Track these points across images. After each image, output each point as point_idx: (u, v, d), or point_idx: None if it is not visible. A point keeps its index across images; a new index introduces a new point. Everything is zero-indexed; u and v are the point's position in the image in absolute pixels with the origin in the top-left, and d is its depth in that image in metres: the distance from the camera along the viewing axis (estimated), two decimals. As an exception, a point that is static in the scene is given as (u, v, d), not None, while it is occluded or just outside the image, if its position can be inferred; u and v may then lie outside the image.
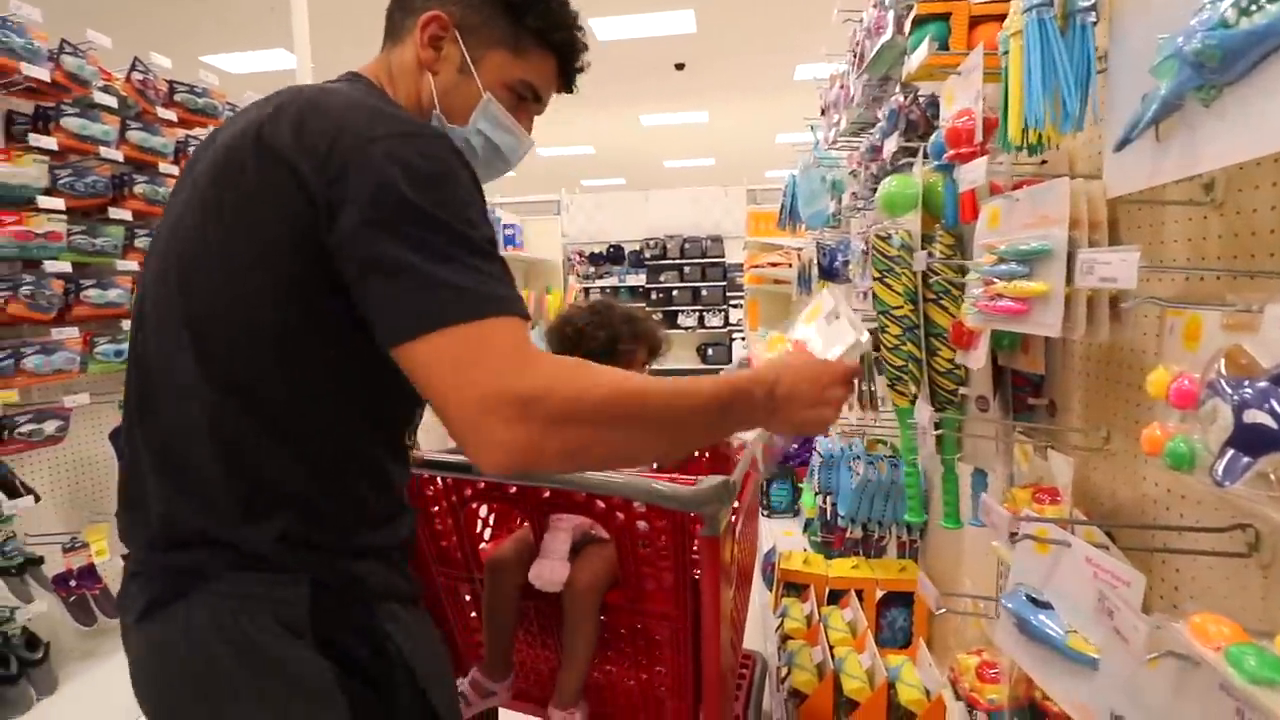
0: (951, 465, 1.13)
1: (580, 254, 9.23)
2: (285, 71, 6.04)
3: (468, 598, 1.29)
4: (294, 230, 0.65)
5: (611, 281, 9.45)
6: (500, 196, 5.88)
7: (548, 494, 1.12)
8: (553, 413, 0.60)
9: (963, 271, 1.05)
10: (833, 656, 1.53)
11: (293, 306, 0.67)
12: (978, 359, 0.91)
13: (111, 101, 2.13)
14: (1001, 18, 1.09)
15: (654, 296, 9.23)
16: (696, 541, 1.00)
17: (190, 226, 0.70)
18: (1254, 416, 0.44)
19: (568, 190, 7.61)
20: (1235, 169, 0.64)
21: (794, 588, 1.92)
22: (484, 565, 1.23)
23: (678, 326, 9.24)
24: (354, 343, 0.67)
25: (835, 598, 1.84)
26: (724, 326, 9.30)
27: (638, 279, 9.42)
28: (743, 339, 8.09)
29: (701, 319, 9.34)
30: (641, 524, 1.03)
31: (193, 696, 0.68)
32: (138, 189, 2.21)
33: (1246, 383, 0.46)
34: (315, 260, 0.65)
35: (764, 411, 0.75)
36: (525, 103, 0.85)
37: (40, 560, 1.99)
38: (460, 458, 1.12)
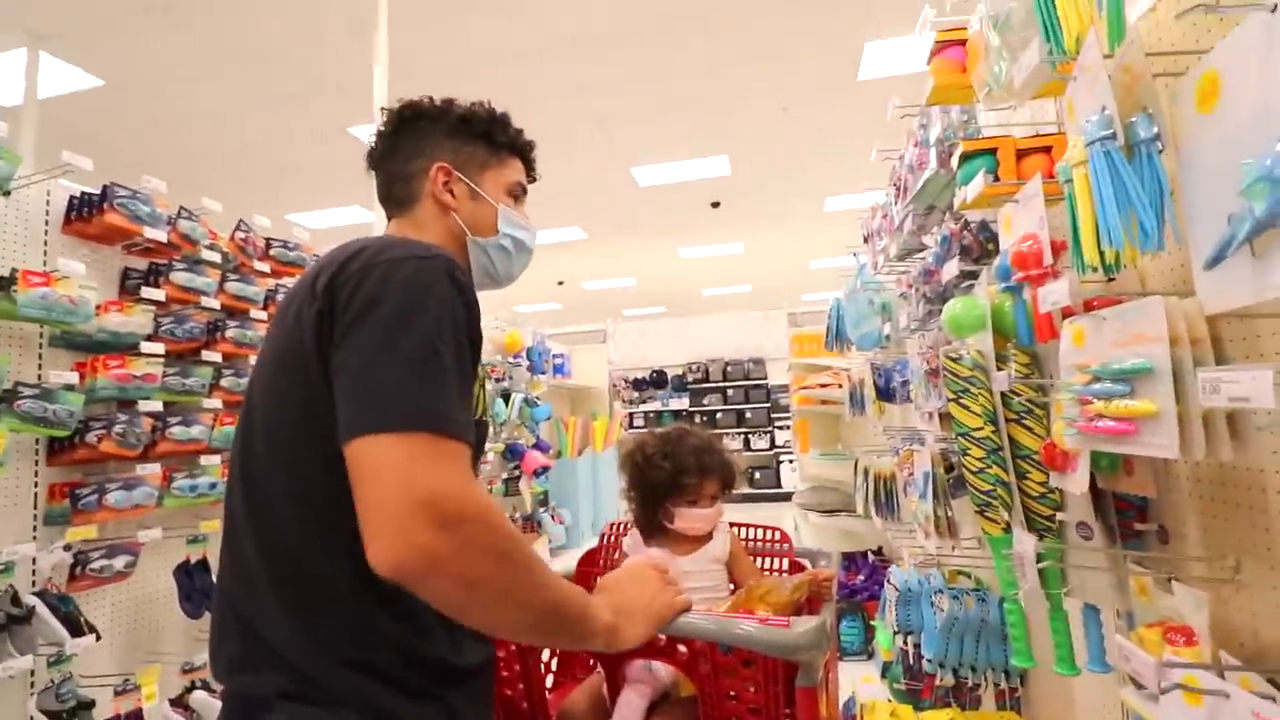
0: (1059, 601, 1.03)
1: (624, 380, 9.40)
2: (363, 224, 6.66)
3: None
4: (317, 344, 0.73)
5: (655, 406, 9.52)
6: (550, 329, 6.14)
7: None
8: (471, 537, 0.64)
9: (1043, 391, 1.02)
10: (940, 832, 1.32)
11: (316, 413, 0.72)
12: (1079, 482, 0.86)
13: (215, 257, 2.37)
14: (1045, 150, 1.15)
15: (697, 420, 9.20)
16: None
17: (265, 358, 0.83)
18: None
19: (612, 320, 7.90)
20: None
21: (882, 744, 1.72)
22: (552, 717, 1.13)
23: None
24: None
25: (931, 757, 1.63)
26: (770, 449, 9.13)
27: (680, 402, 9.47)
28: (791, 461, 7.87)
29: (747, 442, 9.22)
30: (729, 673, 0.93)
31: None
32: (229, 333, 2.39)
33: None
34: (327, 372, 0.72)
35: (606, 629, 0.79)
36: (519, 200, 1.04)
37: (92, 704, 1.93)
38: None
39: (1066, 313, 0.90)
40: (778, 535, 1.51)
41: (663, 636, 0.94)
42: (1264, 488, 0.76)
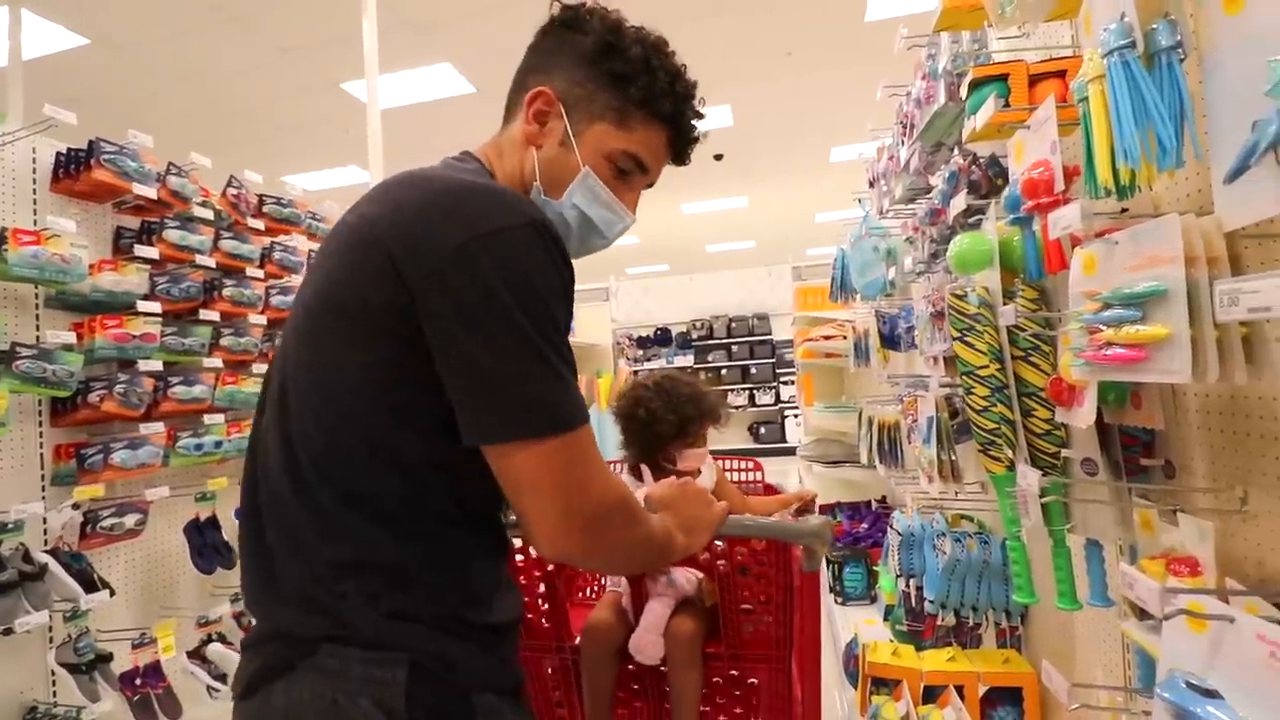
0: (1062, 537, 1.03)
1: (629, 338, 9.38)
2: (359, 185, 6.56)
3: (550, 671, 1.24)
4: (386, 314, 0.68)
5: (660, 363, 9.52)
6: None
7: None
8: (612, 531, 0.72)
9: (1050, 325, 1.00)
10: (939, 764, 1.36)
11: (378, 385, 0.69)
12: (1085, 416, 0.84)
13: (208, 214, 2.33)
14: (1059, 74, 1.10)
15: (703, 376, 9.21)
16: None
17: (306, 305, 0.76)
18: None
19: (615, 278, 7.84)
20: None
21: (883, 684, 1.75)
22: (578, 633, 1.23)
23: (728, 406, 9.13)
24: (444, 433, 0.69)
25: (932, 695, 1.66)
26: (775, 404, 9.15)
27: (685, 359, 9.46)
28: (796, 415, 7.90)
29: (752, 397, 9.24)
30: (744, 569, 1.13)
31: None
32: (226, 292, 2.37)
33: None
34: (405, 344, 0.67)
35: (684, 547, 0.88)
36: (628, 176, 0.83)
37: (110, 657, 1.99)
38: None
39: (1075, 241, 0.86)
40: (751, 465, 1.82)
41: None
42: (1276, 415, 0.74)
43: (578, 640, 1.23)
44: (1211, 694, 0.63)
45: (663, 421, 1.45)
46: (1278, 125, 0.49)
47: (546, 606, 1.21)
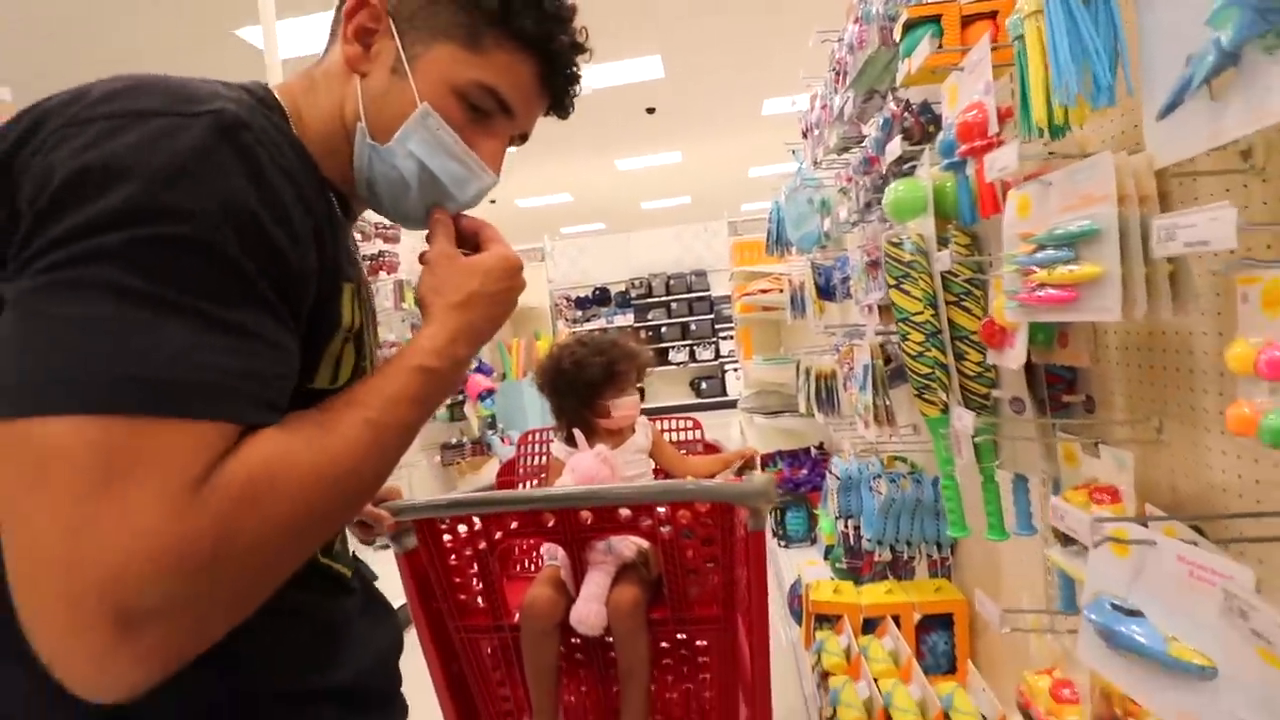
0: (991, 473, 1.08)
1: (566, 299, 9.25)
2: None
3: (489, 652, 1.21)
4: None
5: (599, 324, 9.47)
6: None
7: (590, 520, 1.09)
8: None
9: (982, 270, 1.02)
10: (879, 690, 1.44)
11: None
12: (1016, 357, 0.87)
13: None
14: (990, 15, 1.09)
15: (643, 335, 9.22)
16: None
17: None
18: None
19: (549, 238, 7.67)
20: (1274, 133, 0.61)
21: (826, 619, 1.83)
22: (516, 612, 1.20)
23: (669, 363, 9.23)
24: None
25: (871, 626, 1.75)
26: (715, 359, 9.29)
27: (625, 319, 9.44)
28: (736, 369, 8.06)
29: (692, 353, 9.34)
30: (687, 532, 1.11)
31: None
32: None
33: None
34: None
35: (452, 362, 0.58)
36: (488, 119, 0.62)
37: None
38: (494, 493, 1.18)
39: (1008, 186, 0.87)
40: (691, 423, 1.79)
41: (626, 512, 1.01)
42: (1191, 350, 0.78)
43: (517, 618, 1.20)
44: (1135, 613, 0.67)
45: (590, 365, 1.44)
46: (1215, 56, 0.49)
47: (481, 586, 1.17)
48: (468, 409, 4.83)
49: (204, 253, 0.44)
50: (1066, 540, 0.91)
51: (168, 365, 0.42)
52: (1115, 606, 0.68)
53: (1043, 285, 0.71)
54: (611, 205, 10.88)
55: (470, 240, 0.66)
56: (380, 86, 0.60)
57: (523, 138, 0.68)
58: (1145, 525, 0.70)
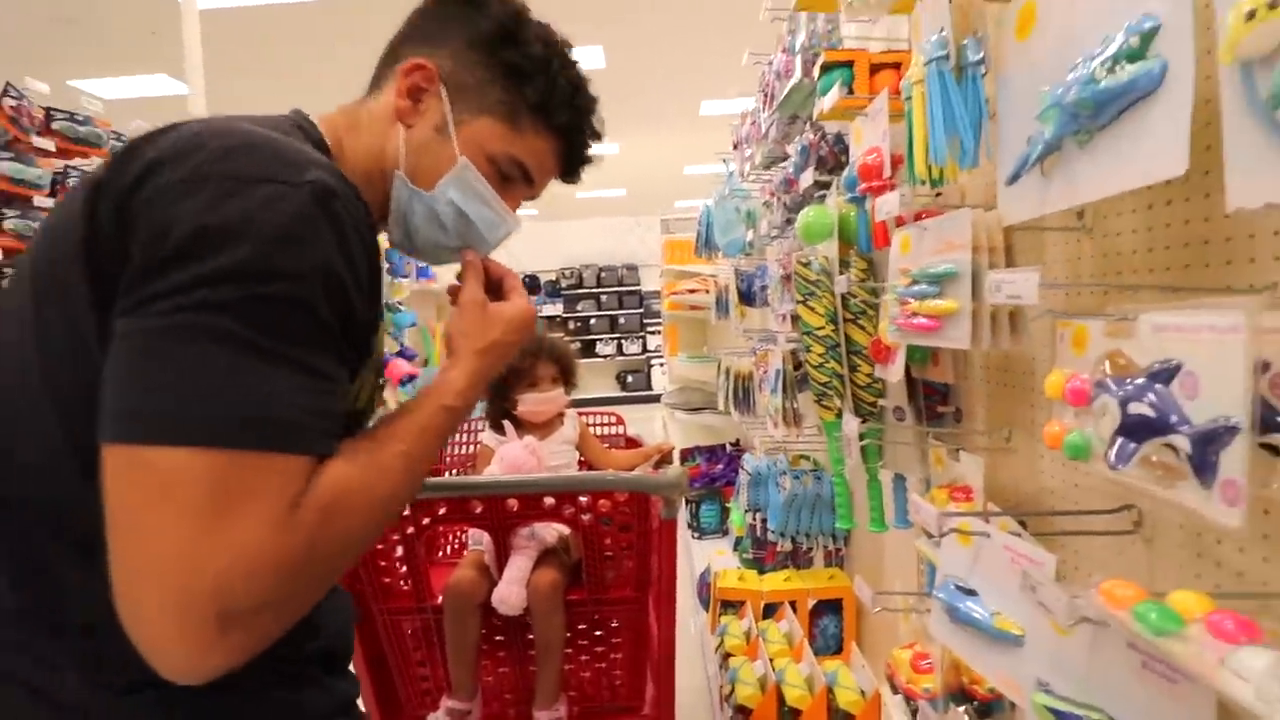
0: (875, 473, 1.22)
1: (495, 284, 9.12)
2: (170, 97, 5.67)
3: (410, 633, 1.25)
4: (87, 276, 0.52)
5: (528, 311, 9.40)
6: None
7: (516, 507, 1.15)
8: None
9: (875, 293, 1.15)
10: (773, 668, 1.57)
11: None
12: (895, 372, 0.99)
13: (-23, 128, 1.94)
14: (896, 65, 1.22)
15: (571, 326, 9.24)
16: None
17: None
18: (1137, 408, 0.52)
19: (481, 221, 7.53)
20: (1103, 200, 0.75)
21: (730, 605, 1.97)
22: (440, 593, 1.25)
23: (596, 355, 9.28)
24: None
25: (770, 611, 1.89)
26: (642, 353, 9.42)
27: (555, 308, 9.42)
28: (662, 365, 8.22)
29: (620, 346, 9.43)
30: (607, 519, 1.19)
31: None
32: (7, 224, 2.01)
33: (1128, 380, 0.54)
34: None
35: (468, 402, 0.68)
36: (511, 183, 0.74)
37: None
38: (426, 480, 1.23)
39: (899, 222, 1.00)
40: (614, 419, 1.94)
41: (550, 500, 1.10)
42: (1033, 372, 0.92)
43: (440, 600, 1.25)
44: (971, 592, 0.80)
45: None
46: (1042, 145, 0.61)
47: (405, 569, 1.21)
48: (388, 394, 4.72)
49: (302, 309, 0.52)
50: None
51: (274, 408, 0.50)
52: (958, 587, 0.82)
53: (915, 314, 0.83)
54: (545, 192, 10.78)
55: (495, 285, 0.76)
56: (423, 139, 0.70)
57: (531, 197, 0.79)
58: (987, 520, 0.84)
